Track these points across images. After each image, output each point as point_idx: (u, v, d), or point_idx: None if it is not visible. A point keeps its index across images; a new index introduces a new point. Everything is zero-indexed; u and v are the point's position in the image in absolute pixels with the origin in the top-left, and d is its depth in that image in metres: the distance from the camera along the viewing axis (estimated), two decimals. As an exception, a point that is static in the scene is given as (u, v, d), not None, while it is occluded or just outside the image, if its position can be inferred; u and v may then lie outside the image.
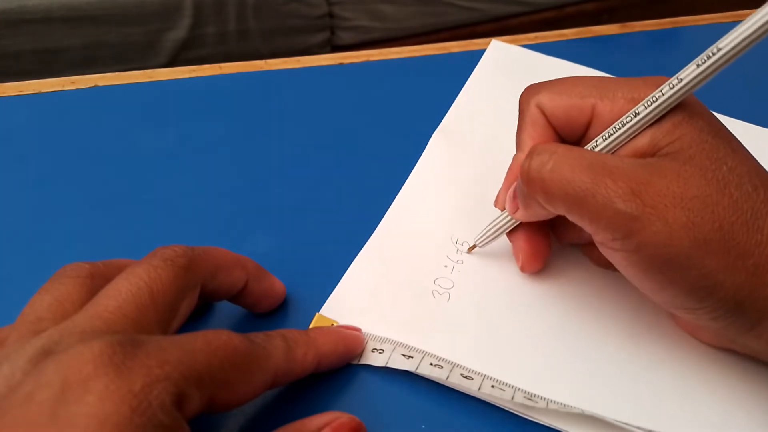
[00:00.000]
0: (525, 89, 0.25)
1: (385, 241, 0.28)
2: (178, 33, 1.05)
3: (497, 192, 0.27)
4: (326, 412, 0.20)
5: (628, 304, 0.25)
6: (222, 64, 0.37)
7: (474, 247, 0.27)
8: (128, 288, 0.18)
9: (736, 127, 0.34)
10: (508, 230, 0.26)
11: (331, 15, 1.18)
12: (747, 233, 0.19)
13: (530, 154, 0.22)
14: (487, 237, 0.26)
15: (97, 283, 0.19)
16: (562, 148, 0.21)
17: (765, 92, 0.38)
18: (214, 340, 0.18)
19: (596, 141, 0.22)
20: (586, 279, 0.26)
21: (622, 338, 0.24)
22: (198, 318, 0.24)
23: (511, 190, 0.25)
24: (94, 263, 0.20)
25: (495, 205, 0.27)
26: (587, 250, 0.26)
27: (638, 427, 0.21)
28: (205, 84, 0.36)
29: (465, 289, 0.26)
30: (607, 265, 0.25)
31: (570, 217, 0.21)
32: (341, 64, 0.38)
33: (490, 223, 0.26)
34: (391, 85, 0.37)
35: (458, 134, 0.33)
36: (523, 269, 0.26)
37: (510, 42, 0.40)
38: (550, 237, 0.26)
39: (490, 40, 0.40)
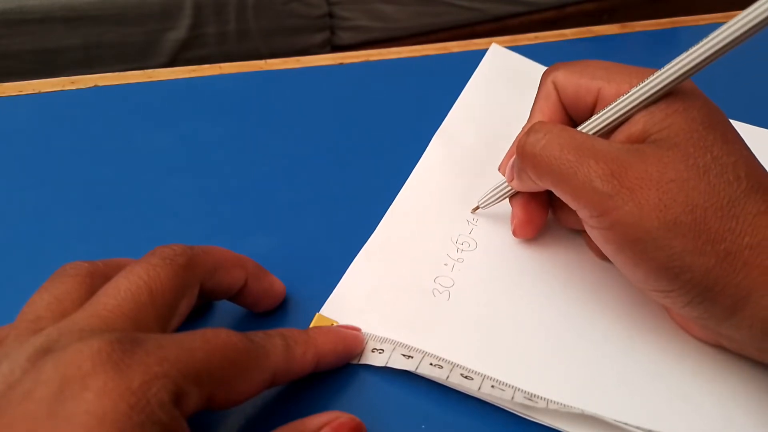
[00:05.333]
0: (549, 67, 0.27)
1: (385, 241, 0.28)
2: (178, 33, 1.05)
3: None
4: (326, 411, 0.20)
5: (630, 305, 0.25)
6: (222, 64, 0.37)
7: (477, 208, 0.29)
8: (127, 287, 0.18)
9: (735, 126, 0.34)
10: (507, 196, 0.27)
11: (331, 15, 1.18)
12: (720, 219, 0.19)
13: (528, 131, 0.23)
14: (489, 200, 0.28)
15: (96, 281, 0.19)
16: (557, 128, 0.23)
17: (765, 92, 0.38)
18: (213, 339, 0.18)
19: (590, 120, 0.23)
20: (587, 279, 0.26)
21: (623, 339, 0.24)
22: (197, 317, 0.24)
23: (511, 160, 0.26)
24: (94, 262, 0.20)
25: (499, 170, 0.28)
26: (588, 239, 0.27)
27: (638, 427, 0.21)
28: (205, 84, 0.36)
29: (465, 287, 0.26)
30: (605, 257, 0.25)
31: (556, 193, 0.23)
32: (341, 64, 0.38)
33: (494, 187, 0.28)
34: (391, 85, 0.37)
35: (458, 136, 0.33)
36: (514, 233, 0.28)
37: (510, 42, 0.40)
38: (546, 210, 0.27)
39: (490, 40, 0.40)
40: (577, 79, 0.24)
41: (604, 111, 0.23)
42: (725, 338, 0.22)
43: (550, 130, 0.22)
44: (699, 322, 0.22)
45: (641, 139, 0.22)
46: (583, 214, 0.22)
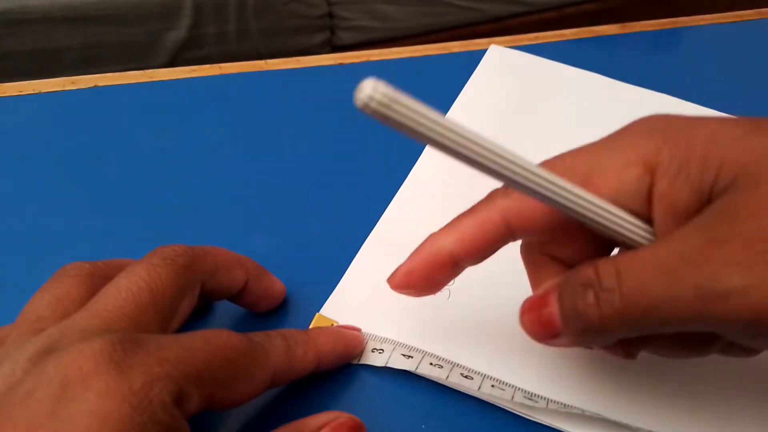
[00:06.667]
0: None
1: (385, 240, 0.28)
2: (178, 33, 1.05)
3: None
4: (326, 411, 0.20)
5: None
6: (222, 64, 0.37)
7: None
8: (128, 287, 0.18)
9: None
10: None
11: (331, 15, 1.18)
12: None
13: (579, 284, 0.16)
14: None
15: (97, 282, 0.19)
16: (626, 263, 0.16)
17: (765, 91, 0.37)
18: (214, 339, 0.18)
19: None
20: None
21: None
22: (198, 317, 0.24)
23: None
24: (94, 262, 0.20)
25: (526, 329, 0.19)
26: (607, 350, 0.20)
27: (638, 428, 0.21)
28: (205, 84, 0.36)
29: (465, 286, 0.26)
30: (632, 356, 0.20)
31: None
32: (341, 64, 0.38)
33: None
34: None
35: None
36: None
37: (510, 42, 0.40)
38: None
39: (491, 41, 0.40)
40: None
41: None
42: None
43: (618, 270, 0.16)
44: None
45: (698, 208, 0.16)
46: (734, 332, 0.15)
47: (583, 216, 0.17)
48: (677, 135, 0.17)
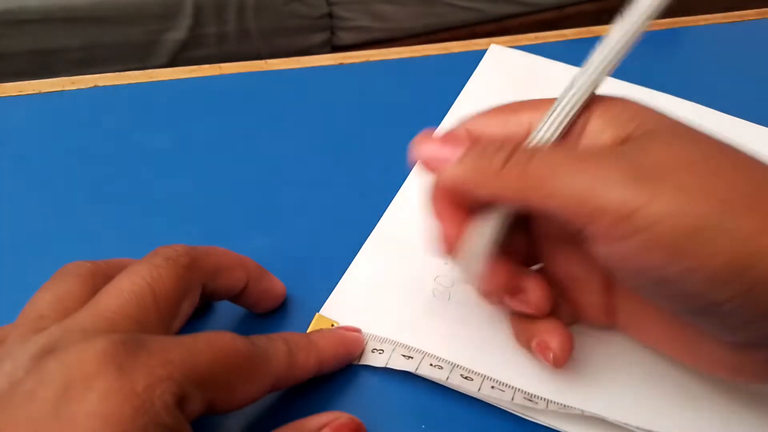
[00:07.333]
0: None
1: (385, 240, 0.28)
2: (178, 33, 1.05)
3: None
4: (326, 411, 0.20)
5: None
6: (222, 64, 0.37)
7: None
8: (130, 287, 0.18)
9: (735, 124, 0.34)
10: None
11: (331, 15, 1.18)
12: None
13: (482, 152, 0.19)
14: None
15: (98, 281, 0.19)
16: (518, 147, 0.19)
17: (765, 91, 0.37)
18: (217, 342, 0.18)
19: (538, 129, 0.20)
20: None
21: (621, 338, 0.24)
22: (198, 317, 0.24)
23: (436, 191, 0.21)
24: (96, 262, 0.20)
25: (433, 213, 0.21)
26: (589, 310, 0.23)
27: (638, 427, 0.21)
28: (205, 84, 0.36)
29: (466, 287, 0.26)
30: (608, 320, 0.23)
31: (538, 213, 0.20)
32: (341, 64, 0.38)
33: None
34: (391, 85, 0.37)
35: (458, 134, 0.33)
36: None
37: (510, 42, 0.40)
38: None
39: (491, 40, 0.40)
40: (501, 117, 0.21)
41: (549, 115, 0.20)
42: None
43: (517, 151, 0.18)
44: (746, 354, 0.18)
45: (617, 143, 0.19)
46: (597, 227, 0.17)
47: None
48: (637, 111, 0.19)
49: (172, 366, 0.16)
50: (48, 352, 0.16)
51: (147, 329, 0.18)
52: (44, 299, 0.19)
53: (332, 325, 0.24)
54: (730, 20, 0.43)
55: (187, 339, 0.17)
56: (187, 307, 0.20)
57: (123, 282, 0.18)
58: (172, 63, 1.07)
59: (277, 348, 0.20)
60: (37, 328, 0.17)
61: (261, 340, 0.19)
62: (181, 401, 0.16)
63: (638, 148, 0.17)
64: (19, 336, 0.17)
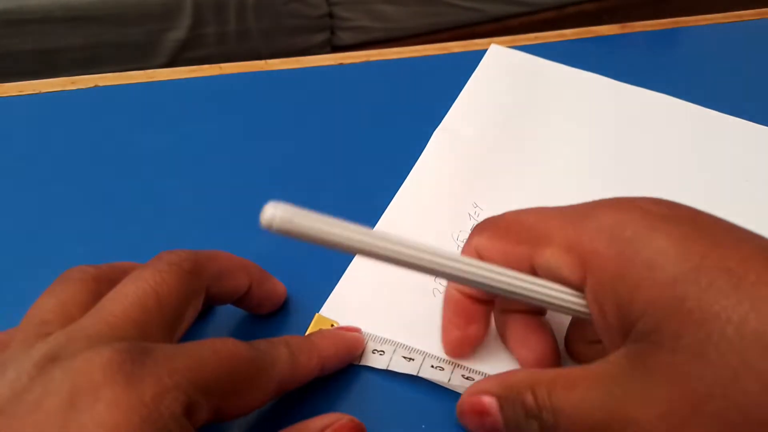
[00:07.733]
0: (475, 227, 0.21)
1: (386, 242, 0.28)
2: (178, 33, 1.05)
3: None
4: (327, 413, 0.20)
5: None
6: (222, 64, 0.37)
7: None
8: (134, 292, 0.18)
9: (735, 124, 0.34)
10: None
11: (331, 15, 1.18)
12: None
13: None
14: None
15: (102, 286, 0.19)
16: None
17: (765, 91, 0.37)
18: (222, 349, 0.17)
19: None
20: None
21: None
22: (198, 319, 0.24)
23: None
24: (99, 266, 0.20)
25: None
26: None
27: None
28: (205, 84, 0.36)
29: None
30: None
31: None
32: (341, 65, 0.38)
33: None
34: (391, 85, 0.37)
35: (459, 134, 0.33)
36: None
37: (510, 42, 0.40)
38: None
39: (491, 40, 0.40)
40: (503, 246, 0.20)
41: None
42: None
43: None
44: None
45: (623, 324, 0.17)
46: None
47: (512, 294, 0.19)
48: (622, 246, 0.17)
49: (179, 375, 0.16)
50: (52, 359, 0.16)
51: (151, 335, 0.18)
52: (47, 304, 0.18)
53: (332, 325, 0.24)
54: (730, 20, 0.43)
55: (192, 346, 0.17)
56: (191, 312, 0.20)
57: (127, 288, 0.18)
58: (172, 63, 1.07)
59: (279, 352, 0.19)
60: (41, 334, 0.17)
61: (263, 345, 0.19)
62: (188, 410, 0.16)
63: (649, 372, 0.16)
64: (23, 342, 0.17)
